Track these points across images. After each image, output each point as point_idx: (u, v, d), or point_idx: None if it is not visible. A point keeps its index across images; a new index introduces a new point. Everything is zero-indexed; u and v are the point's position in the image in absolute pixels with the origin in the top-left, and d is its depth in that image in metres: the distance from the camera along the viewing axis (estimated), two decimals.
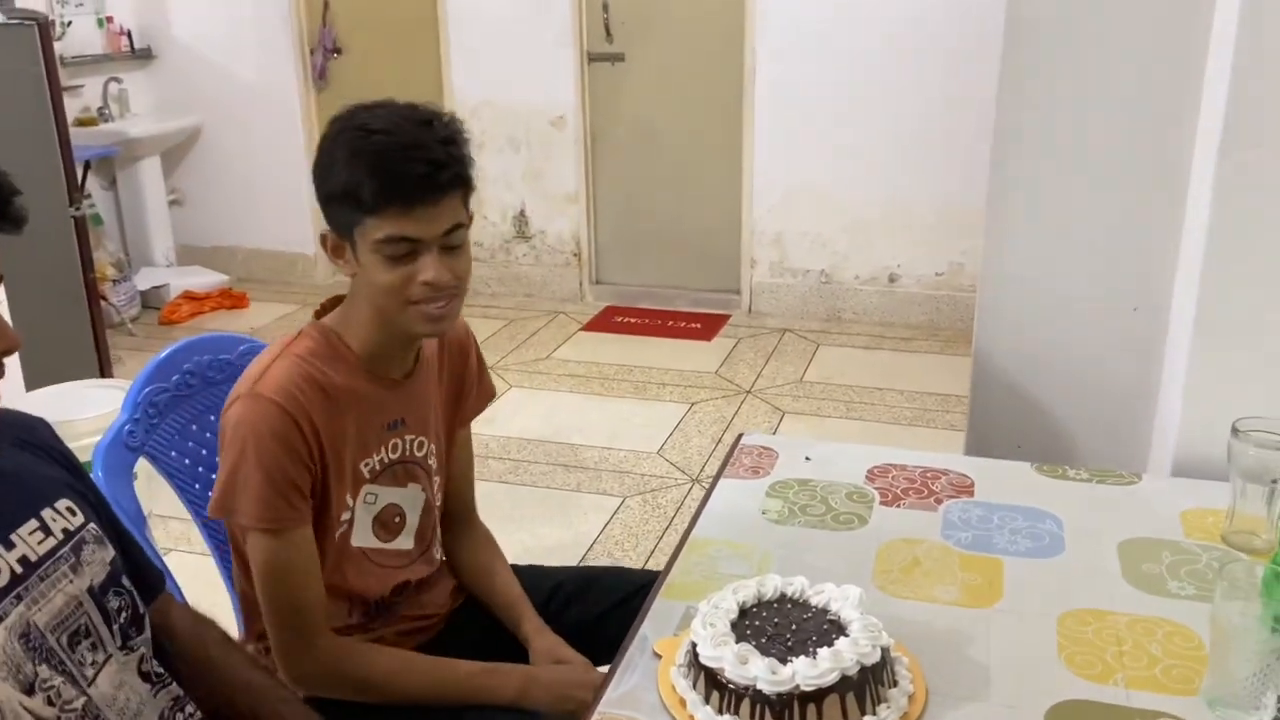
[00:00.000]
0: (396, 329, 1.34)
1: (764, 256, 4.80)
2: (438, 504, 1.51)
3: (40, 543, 1.03)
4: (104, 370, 3.66)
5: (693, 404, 3.90)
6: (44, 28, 3.38)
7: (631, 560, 2.87)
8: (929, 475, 1.58)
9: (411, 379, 1.42)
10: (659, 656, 1.17)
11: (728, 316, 4.81)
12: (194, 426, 1.60)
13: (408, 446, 1.43)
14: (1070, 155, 1.93)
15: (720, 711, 1.05)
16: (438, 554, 1.54)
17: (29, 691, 0.95)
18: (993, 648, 1.18)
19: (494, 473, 3.35)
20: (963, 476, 1.58)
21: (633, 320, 4.83)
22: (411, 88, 5.11)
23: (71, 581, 1.05)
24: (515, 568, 1.60)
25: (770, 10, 4.43)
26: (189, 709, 1.15)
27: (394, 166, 1.23)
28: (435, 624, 1.51)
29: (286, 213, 5.23)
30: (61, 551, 1.04)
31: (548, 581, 1.59)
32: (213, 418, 1.60)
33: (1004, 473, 1.61)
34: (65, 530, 1.06)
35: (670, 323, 4.78)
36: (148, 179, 5.08)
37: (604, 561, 2.85)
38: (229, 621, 1.52)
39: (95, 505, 1.15)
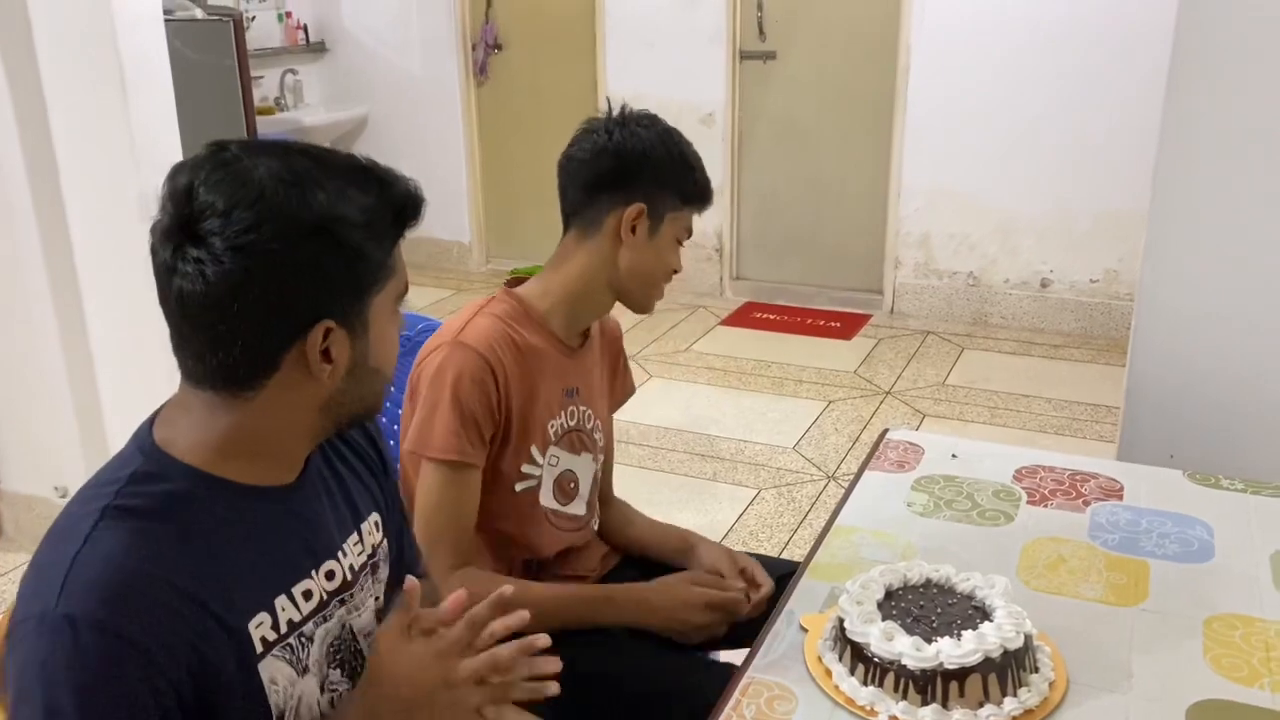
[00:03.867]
0: (604, 302, 1.53)
1: (909, 257, 4.77)
2: (599, 477, 1.63)
3: (359, 554, 1.09)
4: None
5: (830, 402, 3.92)
6: (238, 23, 3.65)
7: (766, 550, 2.93)
8: (1078, 478, 1.60)
9: (583, 351, 1.56)
10: (805, 630, 1.24)
11: (868, 316, 4.81)
12: None
13: (581, 416, 1.55)
14: (1237, 161, 1.90)
15: (865, 683, 1.11)
16: (594, 524, 1.65)
17: (320, 689, 1.02)
18: (1136, 644, 1.21)
19: (634, 458, 3.45)
20: (1112, 481, 1.59)
21: (772, 316, 4.87)
22: (568, 83, 5.28)
23: (374, 596, 1.11)
24: None
25: (926, 9, 4.41)
26: None
27: (700, 173, 1.51)
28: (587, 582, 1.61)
29: (446, 201, 5.46)
30: (369, 564, 1.11)
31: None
32: (391, 387, 1.74)
33: (1155, 479, 1.60)
34: (372, 545, 1.12)
35: (809, 320, 4.80)
36: None
37: (737, 548, 2.91)
38: None
39: (388, 507, 1.20)
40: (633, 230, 1.46)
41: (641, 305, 1.53)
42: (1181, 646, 1.20)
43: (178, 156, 2.68)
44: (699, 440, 3.62)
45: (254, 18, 5.03)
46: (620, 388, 1.70)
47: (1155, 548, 1.40)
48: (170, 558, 0.89)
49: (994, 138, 4.44)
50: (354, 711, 0.97)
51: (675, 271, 1.52)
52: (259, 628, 0.95)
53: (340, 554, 1.06)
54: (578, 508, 1.57)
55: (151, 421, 0.98)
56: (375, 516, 1.14)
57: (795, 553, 2.90)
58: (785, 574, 1.48)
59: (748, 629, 1.41)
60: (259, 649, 0.95)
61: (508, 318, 1.46)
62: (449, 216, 5.51)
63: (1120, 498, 1.54)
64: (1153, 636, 1.22)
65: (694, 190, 1.49)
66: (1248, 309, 1.95)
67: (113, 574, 0.86)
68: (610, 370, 1.66)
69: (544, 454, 1.50)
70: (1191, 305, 1.99)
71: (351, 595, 1.07)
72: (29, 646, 0.85)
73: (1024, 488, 1.57)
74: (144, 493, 0.92)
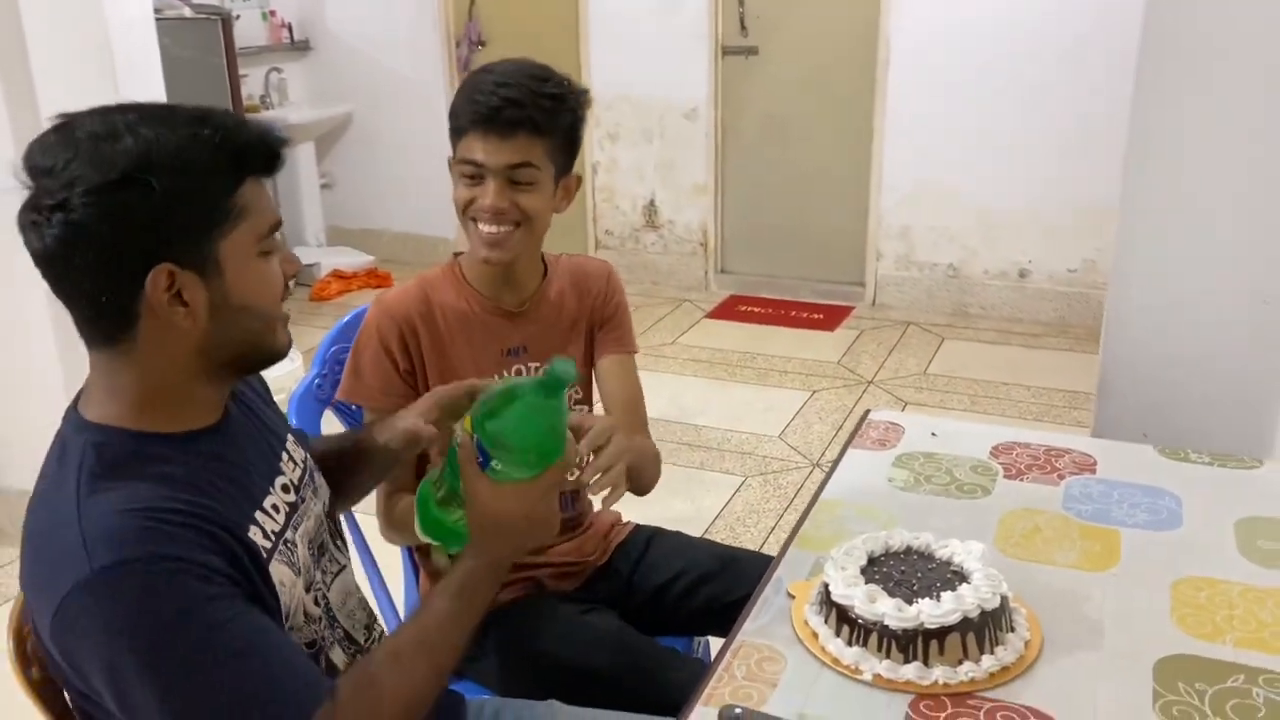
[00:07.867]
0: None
1: (890, 249, 4.84)
2: None
3: (295, 470, 1.16)
4: None
5: (814, 392, 3.98)
6: (226, 21, 3.68)
7: (753, 535, 2.99)
8: (1053, 454, 1.66)
9: (530, 312, 1.56)
10: (792, 597, 1.29)
11: (851, 308, 4.87)
12: None
13: (532, 374, 1.53)
14: (1203, 151, 1.97)
15: (850, 644, 1.16)
16: (588, 497, 1.66)
17: (307, 590, 1.09)
18: (1107, 606, 1.27)
19: None
20: (1086, 456, 1.65)
21: (756, 309, 4.93)
22: None
23: (316, 502, 1.19)
24: (661, 532, 1.76)
25: (906, 5, 4.47)
26: (377, 627, 1.30)
27: (479, 96, 1.39)
28: (580, 571, 1.63)
29: (430, 198, 5.48)
30: (305, 478, 1.17)
31: (689, 553, 1.71)
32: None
33: (1126, 453, 1.67)
34: (300, 459, 1.19)
35: (793, 312, 4.86)
36: (301, 163, 5.39)
37: (724, 534, 2.98)
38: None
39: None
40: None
41: (480, 254, 1.48)
42: (1150, 608, 1.26)
43: None
44: (687, 430, 3.67)
45: (238, 16, 5.03)
46: (613, 336, 1.64)
47: (1126, 517, 1.47)
48: (162, 493, 0.93)
49: (973, 131, 4.51)
50: (474, 568, 1.06)
51: (464, 205, 1.46)
52: (256, 536, 1.01)
53: (282, 472, 1.12)
54: None
55: (75, 403, 1.02)
56: (289, 437, 1.20)
57: (781, 536, 2.95)
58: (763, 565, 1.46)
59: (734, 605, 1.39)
60: (264, 555, 1.01)
61: (434, 279, 1.53)
62: (433, 213, 5.53)
63: (1093, 471, 1.60)
64: (1123, 599, 1.28)
65: (456, 119, 1.43)
66: (1214, 296, 2.02)
67: (124, 520, 0.90)
68: (593, 317, 1.62)
69: None
70: (1160, 290, 2.05)
71: (303, 501, 1.14)
72: (85, 618, 0.87)
73: (1000, 463, 1.63)
74: (101, 461, 0.95)
